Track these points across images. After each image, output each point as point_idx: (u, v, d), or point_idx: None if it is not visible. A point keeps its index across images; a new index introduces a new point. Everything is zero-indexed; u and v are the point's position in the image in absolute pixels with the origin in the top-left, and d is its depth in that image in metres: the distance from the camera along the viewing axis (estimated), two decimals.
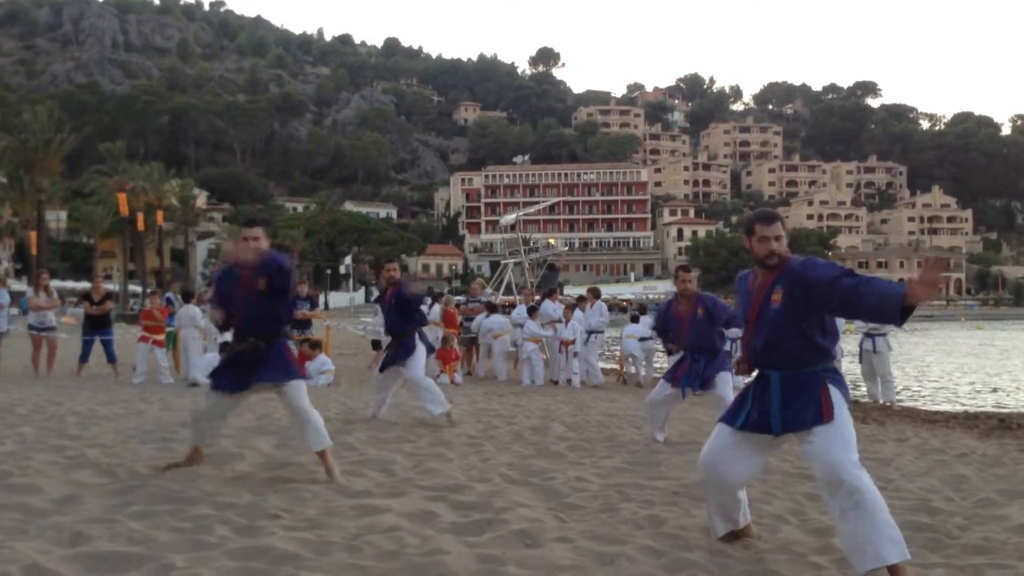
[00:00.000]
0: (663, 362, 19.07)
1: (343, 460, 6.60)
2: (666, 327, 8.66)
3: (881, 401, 13.19)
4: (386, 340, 13.77)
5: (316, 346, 14.75)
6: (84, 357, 15.30)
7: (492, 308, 17.47)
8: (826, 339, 4.16)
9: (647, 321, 17.12)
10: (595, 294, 16.55)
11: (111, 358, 15.34)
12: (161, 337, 14.68)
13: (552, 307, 15.99)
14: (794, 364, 4.10)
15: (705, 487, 4.37)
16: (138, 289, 61.24)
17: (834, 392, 4.01)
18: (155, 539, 4.16)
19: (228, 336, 14.81)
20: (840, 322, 14.33)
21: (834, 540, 4.46)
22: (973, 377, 20.46)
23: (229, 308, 5.97)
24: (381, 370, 9.36)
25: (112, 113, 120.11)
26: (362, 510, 4.91)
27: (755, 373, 4.38)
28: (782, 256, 4.19)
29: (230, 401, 6.03)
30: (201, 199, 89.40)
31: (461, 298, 19.85)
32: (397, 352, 9.10)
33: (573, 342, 15.28)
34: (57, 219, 68.48)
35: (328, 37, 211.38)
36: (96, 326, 15.47)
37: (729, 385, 8.23)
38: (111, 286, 54.07)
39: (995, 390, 17.53)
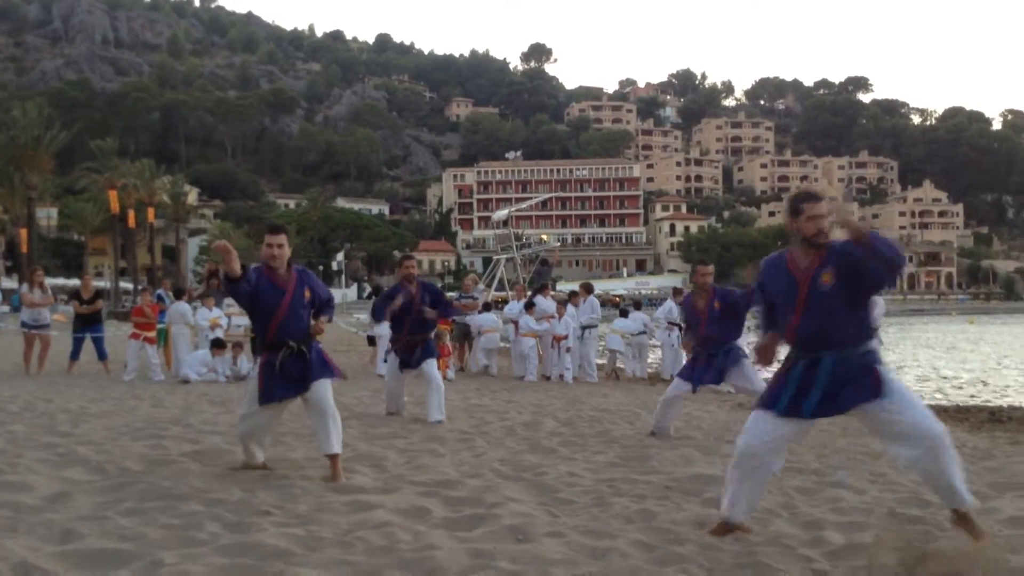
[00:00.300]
0: (652, 356, 19.09)
1: None
2: (693, 320, 8.47)
3: None
4: (384, 338, 13.73)
5: None
6: (75, 355, 15.25)
7: (486, 307, 17.49)
8: (870, 316, 4.28)
9: (639, 317, 17.15)
10: (587, 289, 16.55)
11: (102, 355, 15.29)
12: (152, 334, 14.63)
13: (545, 302, 16.01)
14: (847, 345, 4.14)
15: (741, 474, 4.31)
16: (129, 286, 61.09)
17: (884, 372, 4.13)
18: (145, 536, 4.15)
19: (220, 333, 14.82)
20: None
21: (824, 533, 4.47)
22: (963, 371, 20.53)
23: (248, 297, 5.75)
24: (402, 369, 9.14)
25: (102, 110, 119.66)
26: (354, 506, 4.91)
27: (791, 357, 4.28)
28: (828, 236, 4.19)
29: (276, 411, 5.95)
30: (192, 196, 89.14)
31: (454, 294, 19.84)
32: (424, 352, 9.01)
33: (566, 337, 15.30)
34: (48, 216, 68.23)
35: (319, 33, 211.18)
36: (86, 323, 15.42)
37: (750, 373, 8.22)
38: (102, 283, 53.91)
39: (985, 383, 17.59)
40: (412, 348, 9.03)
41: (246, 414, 5.88)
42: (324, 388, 5.77)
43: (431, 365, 8.98)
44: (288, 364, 5.73)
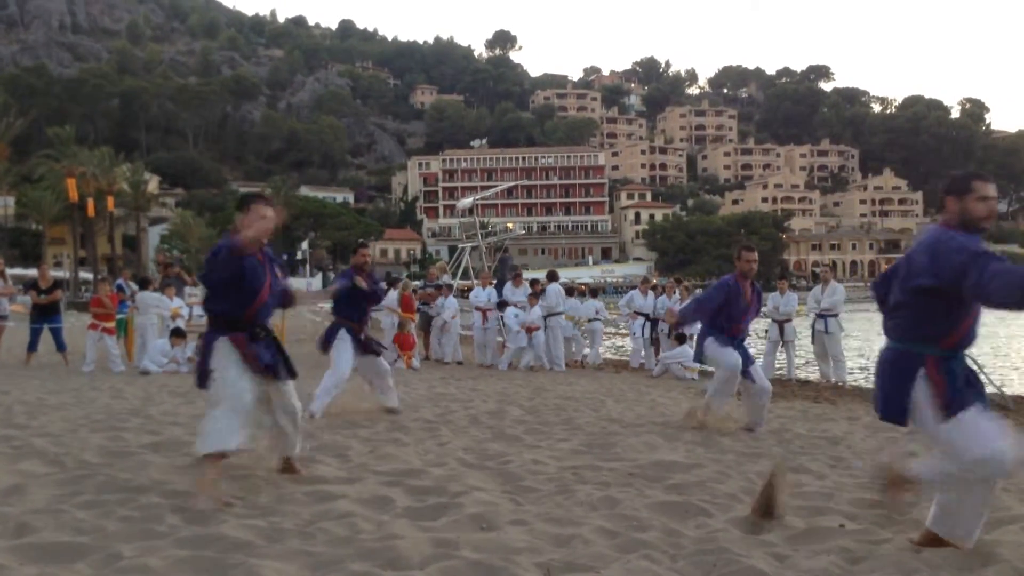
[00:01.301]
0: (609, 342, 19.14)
1: None
2: (739, 311, 7.67)
3: (833, 380, 13.40)
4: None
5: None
6: (32, 346, 15.02)
7: (447, 288, 17.58)
8: None
9: (593, 304, 17.30)
10: (550, 277, 16.62)
11: (60, 346, 15.07)
12: (111, 325, 14.43)
13: (515, 292, 16.04)
14: None
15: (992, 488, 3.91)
16: (89, 276, 60.16)
17: None
18: (103, 529, 4.09)
19: (180, 323, 14.62)
20: (792, 302, 14.48)
21: (785, 518, 4.51)
22: None
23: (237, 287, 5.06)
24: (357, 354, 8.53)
25: (60, 97, 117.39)
26: (316, 496, 4.87)
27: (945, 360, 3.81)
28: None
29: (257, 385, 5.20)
30: (153, 184, 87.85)
31: (418, 283, 19.82)
32: (375, 341, 8.64)
33: (538, 328, 15.37)
34: (4, 205, 66.89)
35: (281, 19, 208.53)
36: (44, 314, 15.19)
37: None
38: (61, 273, 53.07)
39: None
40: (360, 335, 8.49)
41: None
42: (292, 388, 5.42)
43: (386, 357, 8.69)
44: (259, 346, 5.11)
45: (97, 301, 14.71)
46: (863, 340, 26.78)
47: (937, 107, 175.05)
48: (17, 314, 17.93)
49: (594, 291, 19.27)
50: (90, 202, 57.31)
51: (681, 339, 14.49)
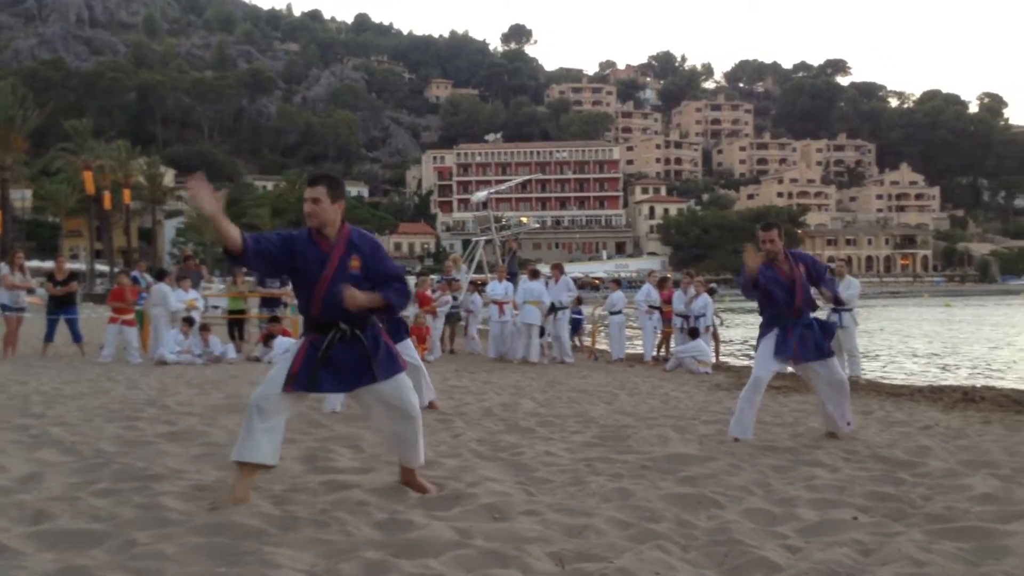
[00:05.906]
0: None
1: (311, 437, 6.59)
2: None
3: (847, 375, 13.31)
4: None
5: (276, 321, 15.02)
6: (49, 336, 15.14)
7: (450, 284, 17.81)
8: None
9: (620, 296, 17.22)
10: (559, 269, 16.61)
11: (76, 338, 15.18)
12: (131, 317, 14.54)
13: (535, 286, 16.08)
14: None
15: None
16: (105, 268, 60.58)
17: None
18: (118, 516, 4.12)
19: (196, 315, 14.71)
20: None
21: (798, 510, 4.51)
22: (937, 350, 20.71)
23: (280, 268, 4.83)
24: None
25: (77, 90, 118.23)
26: (330, 486, 4.89)
27: None
28: None
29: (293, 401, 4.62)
30: (168, 177, 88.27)
31: (436, 276, 19.96)
32: None
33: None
34: (22, 198, 67.44)
35: (297, 12, 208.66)
36: (60, 305, 15.30)
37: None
38: (78, 265, 53.46)
39: (954, 366, 17.77)
40: None
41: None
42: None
43: None
44: (334, 351, 4.54)
45: (117, 295, 14.80)
46: (886, 336, 26.69)
47: (955, 102, 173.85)
48: (34, 306, 18.09)
49: (617, 282, 19.31)
50: (107, 195, 57.74)
51: (694, 333, 14.45)
